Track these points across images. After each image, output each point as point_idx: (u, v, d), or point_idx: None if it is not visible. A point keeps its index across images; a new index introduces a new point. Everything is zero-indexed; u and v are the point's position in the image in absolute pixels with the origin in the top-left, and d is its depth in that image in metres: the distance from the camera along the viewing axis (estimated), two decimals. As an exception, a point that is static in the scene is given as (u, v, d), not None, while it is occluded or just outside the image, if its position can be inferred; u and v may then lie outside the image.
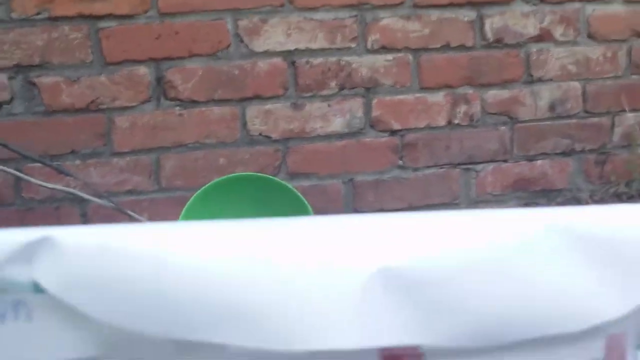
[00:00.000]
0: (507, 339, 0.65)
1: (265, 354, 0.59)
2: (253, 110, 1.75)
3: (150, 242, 0.63)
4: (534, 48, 1.93)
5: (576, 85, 1.98)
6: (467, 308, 0.65)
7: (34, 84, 1.61)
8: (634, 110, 2.05)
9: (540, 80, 1.95)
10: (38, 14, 1.60)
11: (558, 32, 1.95)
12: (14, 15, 1.58)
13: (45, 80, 1.61)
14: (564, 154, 1.98)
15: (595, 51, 1.98)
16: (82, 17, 1.63)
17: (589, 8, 1.95)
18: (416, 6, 1.83)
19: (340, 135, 1.81)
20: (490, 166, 1.91)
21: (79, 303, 0.58)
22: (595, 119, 2.02)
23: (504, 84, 1.93)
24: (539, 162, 1.95)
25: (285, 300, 0.62)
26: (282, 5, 1.74)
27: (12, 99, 1.60)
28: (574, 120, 2.00)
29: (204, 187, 1.38)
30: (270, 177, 1.48)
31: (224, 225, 0.69)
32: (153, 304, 0.60)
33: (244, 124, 1.74)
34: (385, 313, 0.63)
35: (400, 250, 0.66)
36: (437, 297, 0.66)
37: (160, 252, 0.62)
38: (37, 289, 0.59)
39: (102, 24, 1.64)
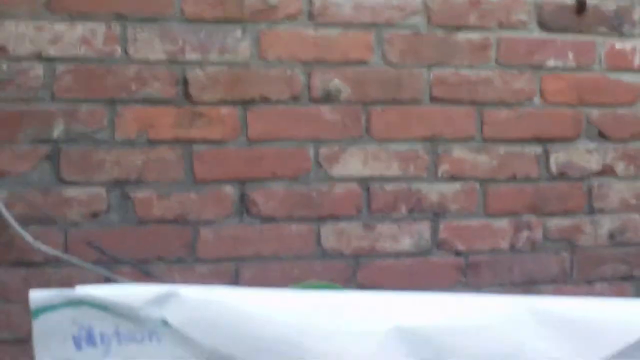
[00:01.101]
0: None
1: None
2: (327, 230, 1.85)
3: (234, 297, 0.96)
4: (595, 182, 2.00)
5: (636, 217, 2.04)
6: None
7: (129, 197, 1.74)
8: None
9: (601, 211, 2.01)
10: (138, 136, 1.74)
11: (620, 167, 2.01)
12: (117, 137, 1.72)
13: (140, 195, 1.74)
14: (623, 278, 2.03)
15: (655, 187, 2.04)
16: (178, 141, 1.75)
17: (652, 147, 2.02)
18: (486, 140, 1.92)
19: (408, 254, 1.90)
20: (551, 288, 1.97)
21: (193, 334, 0.92)
22: (654, 249, 2.07)
23: (566, 213, 1.99)
24: (598, 285, 2.01)
25: (330, 345, 0.88)
26: (360, 136, 1.85)
27: (108, 210, 1.73)
28: (632, 248, 2.05)
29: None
30: (341, 286, 1.58)
31: (291, 294, 1.03)
32: (238, 339, 0.92)
33: (319, 241, 1.84)
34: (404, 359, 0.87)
35: (416, 313, 0.92)
36: (445, 353, 0.89)
37: (243, 305, 0.94)
38: (165, 324, 0.95)
39: (197, 147, 1.76)
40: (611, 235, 2.02)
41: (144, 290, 0.95)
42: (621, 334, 0.92)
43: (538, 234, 1.97)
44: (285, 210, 1.81)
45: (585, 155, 1.97)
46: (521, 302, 0.97)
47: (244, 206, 1.79)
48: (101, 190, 1.71)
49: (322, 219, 1.84)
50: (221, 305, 0.94)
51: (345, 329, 0.91)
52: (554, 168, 1.95)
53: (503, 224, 1.94)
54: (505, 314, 0.94)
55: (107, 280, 1.67)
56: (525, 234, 1.96)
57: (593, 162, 1.98)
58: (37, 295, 0.97)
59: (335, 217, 1.84)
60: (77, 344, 0.95)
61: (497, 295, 0.98)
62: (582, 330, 0.93)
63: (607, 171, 1.99)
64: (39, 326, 0.96)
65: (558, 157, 1.96)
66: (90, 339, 0.94)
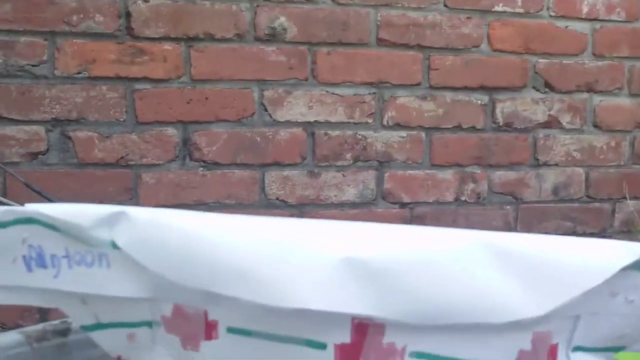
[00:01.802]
0: (447, 321, 1.07)
1: (263, 307, 1.06)
2: (272, 176, 2.33)
3: (193, 222, 1.13)
4: (541, 134, 2.56)
5: (580, 171, 2.61)
6: (418, 294, 1.07)
7: (69, 138, 2.17)
8: (634, 198, 2.69)
9: (545, 164, 2.57)
10: (79, 73, 2.17)
11: (565, 119, 2.58)
12: (56, 72, 2.15)
13: (80, 134, 2.18)
14: (566, 235, 2.59)
15: (599, 140, 2.62)
16: (119, 78, 2.19)
17: (596, 99, 2.60)
18: (432, 87, 2.44)
19: (352, 204, 2.40)
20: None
21: (141, 258, 1.11)
22: (597, 204, 2.65)
23: (511, 165, 2.54)
24: (540, 244, 2.57)
25: (281, 271, 1.06)
26: (306, 79, 2.34)
27: (47, 150, 2.16)
28: (576, 204, 2.62)
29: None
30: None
31: (246, 217, 1.21)
32: (190, 264, 1.08)
33: (263, 188, 2.32)
34: (354, 289, 1.05)
35: (368, 244, 1.10)
36: (394, 284, 1.05)
37: (197, 229, 1.12)
38: (115, 246, 1.12)
39: (138, 85, 2.21)
40: (555, 190, 2.58)
41: (93, 210, 1.10)
42: (581, 279, 1.07)
43: (483, 187, 2.51)
44: (229, 156, 2.29)
45: (532, 106, 2.53)
46: (478, 236, 1.11)
47: (187, 150, 2.24)
48: (40, 129, 2.13)
49: (266, 166, 2.32)
50: (170, 227, 1.10)
51: (297, 256, 1.07)
52: (500, 118, 2.50)
53: (448, 175, 2.48)
54: (460, 247, 1.08)
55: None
56: (470, 186, 2.50)
57: (539, 113, 2.54)
58: None
59: (279, 164, 2.32)
60: (28, 265, 1.11)
61: (453, 229, 1.13)
62: (540, 270, 1.07)
63: (552, 123, 2.55)
64: None
65: (504, 107, 2.50)
66: (41, 260, 1.11)
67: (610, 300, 1.11)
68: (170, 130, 2.27)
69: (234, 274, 1.08)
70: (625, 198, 2.71)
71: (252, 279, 1.08)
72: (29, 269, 1.11)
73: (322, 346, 1.06)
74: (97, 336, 1.15)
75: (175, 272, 1.10)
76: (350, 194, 2.42)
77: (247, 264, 1.08)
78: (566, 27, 2.61)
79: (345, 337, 1.05)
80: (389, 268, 1.07)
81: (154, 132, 2.26)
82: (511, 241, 1.11)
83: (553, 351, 1.11)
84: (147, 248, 1.11)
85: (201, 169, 2.30)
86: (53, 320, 1.34)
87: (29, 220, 1.11)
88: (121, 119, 2.24)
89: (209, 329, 1.11)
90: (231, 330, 1.10)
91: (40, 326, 1.30)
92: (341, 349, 1.05)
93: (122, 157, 2.24)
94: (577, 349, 1.14)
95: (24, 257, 1.11)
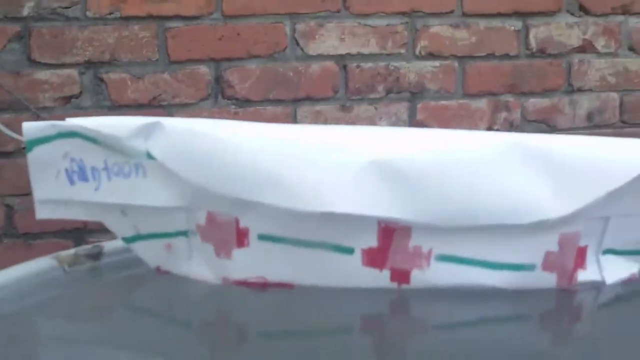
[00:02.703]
0: (473, 222, 1.12)
1: (290, 213, 1.12)
2: (304, 111, 2.36)
3: (223, 130, 1.21)
4: (576, 59, 2.57)
5: (614, 96, 2.63)
6: (444, 196, 1.11)
7: (102, 80, 2.20)
8: None
9: (580, 90, 2.60)
10: (110, 13, 2.19)
11: (600, 43, 2.59)
12: (88, 14, 2.17)
13: (113, 76, 2.21)
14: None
15: (635, 63, 2.63)
16: (151, 17, 2.21)
17: (632, 20, 2.60)
18: (465, 15, 2.45)
19: (385, 138, 2.44)
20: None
21: (174, 167, 1.18)
22: (631, 129, 2.68)
23: (545, 92, 2.56)
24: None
25: (307, 175, 1.11)
26: (338, 11, 2.35)
27: (81, 93, 2.19)
28: (610, 130, 2.65)
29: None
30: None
31: (276, 125, 1.28)
32: (220, 171, 1.14)
33: (295, 123, 2.35)
34: (380, 192, 1.09)
35: (395, 147, 1.14)
36: (421, 186, 1.09)
37: (230, 137, 1.18)
38: (150, 156, 1.18)
39: (170, 23, 2.23)
40: (589, 116, 2.60)
41: (129, 121, 1.18)
42: (606, 178, 1.09)
43: (516, 115, 2.54)
44: (261, 92, 2.32)
45: (566, 31, 2.54)
46: (506, 137, 1.15)
47: (219, 87, 2.27)
48: (73, 73, 2.16)
49: (298, 101, 2.35)
50: (203, 136, 1.17)
51: (324, 161, 1.13)
52: (533, 44, 2.52)
53: (481, 104, 2.51)
54: (486, 148, 1.12)
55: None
56: (503, 114, 2.53)
57: (573, 38, 2.55)
58: (30, 126, 1.19)
59: (311, 99, 2.36)
60: (70, 179, 1.18)
61: (481, 132, 1.19)
62: (566, 170, 1.10)
63: (587, 47, 2.56)
64: (34, 159, 1.19)
65: (538, 32, 2.52)
66: (82, 173, 1.18)
67: None
68: (203, 69, 2.30)
69: (261, 180, 1.14)
70: (659, 121, 2.74)
71: (279, 184, 1.13)
72: (72, 182, 1.19)
73: (349, 251, 1.11)
74: (137, 247, 1.22)
75: (207, 179, 1.16)
76: (383, 126, 2.45)
77: (274, 169, 1.13)
78: (601, -51, 2.60)
79: (372, 242, 1.10)
80: (415, 170, 1.11)
81: (187, 71, 2.29)
82: (540, 142, 1.14)
83: (582, 253, 1.14)
84: (180, 157, 1.17)
85: (233, 106, 2.33)
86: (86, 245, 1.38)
87: (71, 134, 1.17)
88: (154, 59, 2.26)
89: (241, 237, 1.16)
90: (262, 237, 1.15)
91: (72, 251, 1.36)
92: (368, 253, 1.10)
93: (154, 98, 2.27)
94: (608, 251, 1.17)
95: (66, 170, 1.18)
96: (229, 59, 2.32)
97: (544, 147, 1.13)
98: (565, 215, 1.10)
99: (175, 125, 1.17)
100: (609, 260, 1.18)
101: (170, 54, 2.27)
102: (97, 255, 1.39)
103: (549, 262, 1.12)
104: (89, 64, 2.22)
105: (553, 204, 1.09)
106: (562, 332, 1.07)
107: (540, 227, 1.11)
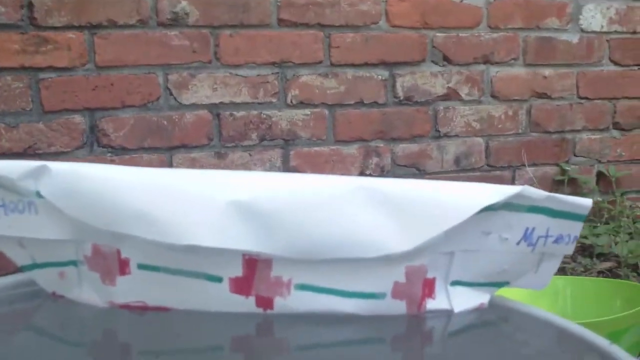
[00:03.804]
0: (325, 256, 1.22)
1: (161, 245, 1.22)
2: (180, 158, 2.47)
3: (104, 172, 1.30)
4: (441, 106, 2.74)
5: (480, 140, 2.80)
6: (299, 232, 1.21)
7: (-24, 130, 2.28)
8: (533, 165, 2.89)
9: (447, 135, 2.76)
10: (-16, 64, 2.28)
11: (464, 91, 2.76)
12: (-39, 64, 2.25)
13: (-13, 126, 2.29)
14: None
15: (497, 109, 2.81)
16: (24, 68, 2.30)
17: (493, 70, 2.78)
18: (333, 65, 2.60)
19: (259, 184, 2.55)
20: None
21: (62, 206, 1.30)
22: (497, 172, 2.84)
23: (413, 138, 2.71)
24: (444, 213, 2.75)
25: (173, 212, 1.22)
26: (210, 62, 2.47)
27: (-46, 144, 2.26)
28: (477, 173, 2.81)
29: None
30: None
31: (150, 169, 1.32)
32: (99, 208, 1.26)
33: (170, 172, 2.45)
34: (242, 228, 1.19)
35: (250, 189, 1.22)
36: (277, 223, 1.19)
37: (106, 177, 1.28)
38: (40, 195, 1.30)
39: (43, 74, 2.32)
40: (457, 160, 2.76)
41: (20, 164, 1.26)
42: (444, 217, 1.18)
43: (387, 160, 2.69)
44: (136, 140, 2.41)
45: (431, 79, 2.70)
46: (355, 180, 1.23)
47: (94, 136, 2.37)
48: (-53, 121, 2.23)
49: (173, 148, 2.45)
50: (85, 176, 1.27)
51: (187, 200, 1.22)
52: (400, 92, 2.67)
53: (352, 150, 2.65)
54: (337, 190, 1.21)
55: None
56: (374, 160, 2.67)
57: (438, 86, 2.71)
58: None
59: (187, 146, 2.46)
60: None
61: (332, 175, 1.22)
62: (409, 209, 1.19)
63: (451, 95, 2.73)
64: None
65: (404, 81, 2.67)
66: None
67: (484, 239, 1.23)
68: (77, 118, 2.39)
69: (133, 215, 1.25)
70: (524, 165, 2.91)
71: (148, 219, 1.24)
72: None
73: (218, 279, 1.23)
74: (34, 275, 1.33)
75: (89, 215, 1.28)
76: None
77: (144, 206, 1.24)
78: (461, 0, 2.78)
79: (238, 271, 1.23)
80: (273, 209, 1.20)
81: (61, 121, 2.38)
82: (386, 184, 1.23)
83: (430, 284, 1.24)
84: (65, 195, 1.28)
85: (109, 154, 2.42)
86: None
87: None
88: (27, 109, 2.34)
89: (123, 266, 1.28)
90: (141, 266, 1.27)
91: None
92: (235, 281, 1.22)
93: (30, 147, 2.35)
94: (456, 283, 1.27)
95: None
96: (103, 109, 2.42)
97: (387, 189, 1.23)
98: (408, 250, 1.21)
99: (61, 167, 1.31)
100: (457, 291, 1.30)
101: (44, 104, 2.36)
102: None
103: (398, 291, 1.24)
104: (-37, 114, 2.28)
105: (396, 240, 1.20)
106: (413, 353, 1.17)
107: (386, 260, 1.22)
